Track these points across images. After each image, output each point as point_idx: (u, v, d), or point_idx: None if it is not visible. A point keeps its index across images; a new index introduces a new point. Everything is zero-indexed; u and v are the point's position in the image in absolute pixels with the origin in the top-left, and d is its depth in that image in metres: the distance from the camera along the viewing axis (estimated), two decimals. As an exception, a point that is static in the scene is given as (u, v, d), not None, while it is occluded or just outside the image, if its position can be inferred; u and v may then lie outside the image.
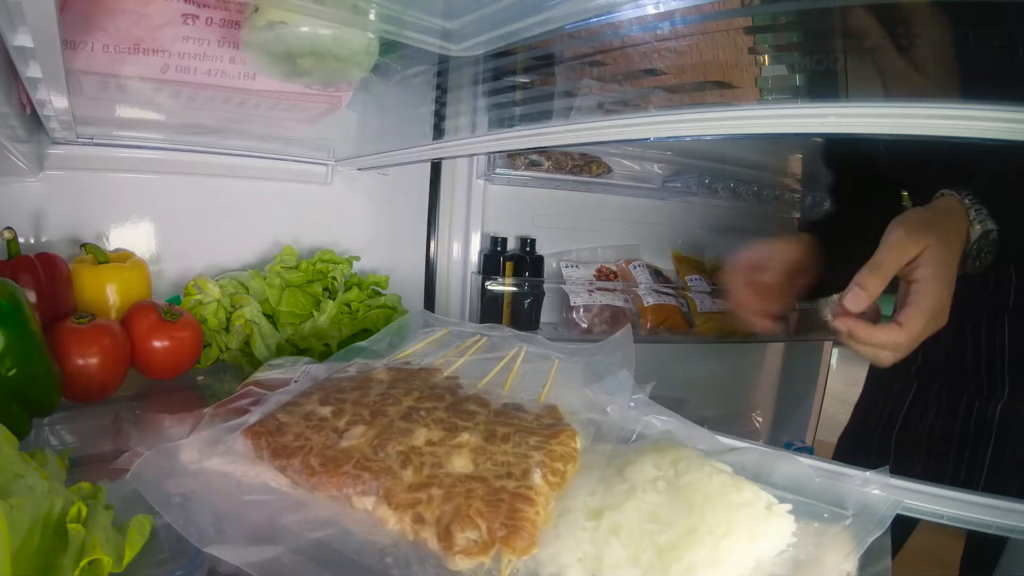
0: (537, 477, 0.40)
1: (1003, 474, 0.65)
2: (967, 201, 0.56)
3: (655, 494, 0.39)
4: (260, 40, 0.62)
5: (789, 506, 0.39)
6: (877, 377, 0.84)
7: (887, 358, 0.55)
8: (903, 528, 0.58)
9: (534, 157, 1.19)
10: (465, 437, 0.43)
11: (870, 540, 0.37)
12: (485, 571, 0.35)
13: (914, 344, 0.54)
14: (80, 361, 0.62)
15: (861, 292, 0.53)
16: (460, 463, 0.41)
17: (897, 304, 0.57)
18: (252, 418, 0.47)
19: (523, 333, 0.61)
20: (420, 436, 0.43)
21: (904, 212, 0.57)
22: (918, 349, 0.74)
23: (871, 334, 0.54)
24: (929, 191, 0.58)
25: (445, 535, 0.36)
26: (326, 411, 0.46)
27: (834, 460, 0.48)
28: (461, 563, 0.35)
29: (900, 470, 0.57)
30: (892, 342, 0.54)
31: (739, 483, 0.39)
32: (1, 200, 0.81)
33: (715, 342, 1.40)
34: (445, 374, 0.52)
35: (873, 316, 0.56)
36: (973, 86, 0.53)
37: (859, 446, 0.81)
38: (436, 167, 1.16)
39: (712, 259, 1.49)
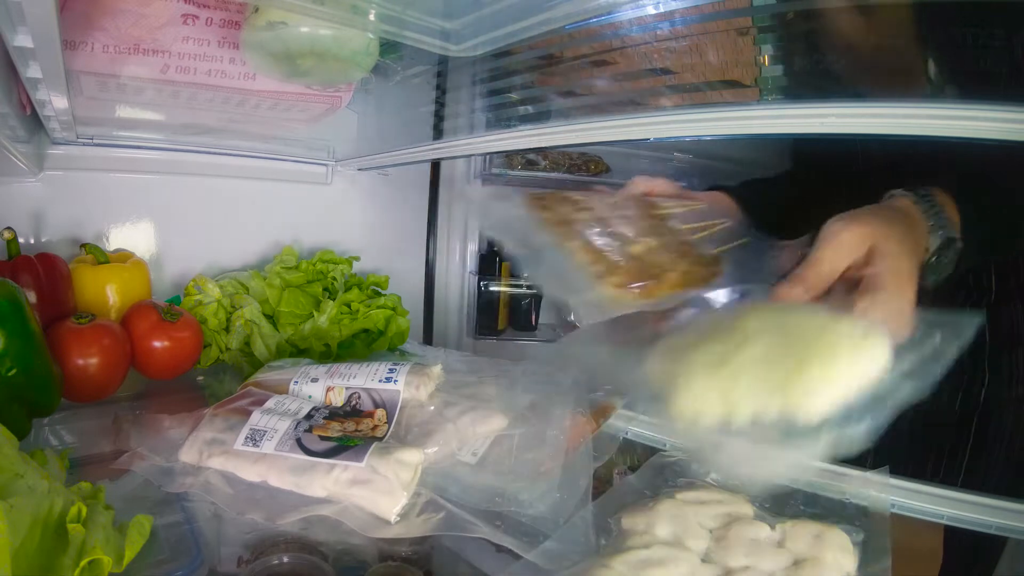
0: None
1: (985, 460, 0.66)
2: (924, 204, 0.47)
3: (767, 336, 0.41)
4: (260, 40, 0.62)
5: (885, 332, 0.40)
6: None
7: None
8: None
9: (531, 156, 1.19)
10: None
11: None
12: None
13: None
14: (80, 361, 0.62)
15: (797, 283, 0.44)
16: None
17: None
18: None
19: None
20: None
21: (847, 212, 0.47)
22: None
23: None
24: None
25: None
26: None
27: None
28: (606, 291, 0.44)
29: (883, 456, 0.57)
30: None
31: (836, 316, 0.41)
32: (1, 200, 0.81)
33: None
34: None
35: None
36: (973, 86, 0.53)
37: None
38: (436, 167, 1.16)
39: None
